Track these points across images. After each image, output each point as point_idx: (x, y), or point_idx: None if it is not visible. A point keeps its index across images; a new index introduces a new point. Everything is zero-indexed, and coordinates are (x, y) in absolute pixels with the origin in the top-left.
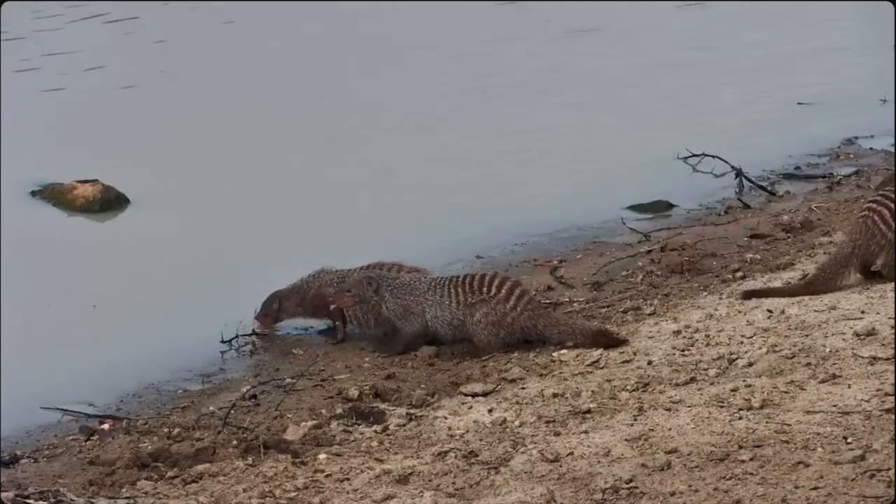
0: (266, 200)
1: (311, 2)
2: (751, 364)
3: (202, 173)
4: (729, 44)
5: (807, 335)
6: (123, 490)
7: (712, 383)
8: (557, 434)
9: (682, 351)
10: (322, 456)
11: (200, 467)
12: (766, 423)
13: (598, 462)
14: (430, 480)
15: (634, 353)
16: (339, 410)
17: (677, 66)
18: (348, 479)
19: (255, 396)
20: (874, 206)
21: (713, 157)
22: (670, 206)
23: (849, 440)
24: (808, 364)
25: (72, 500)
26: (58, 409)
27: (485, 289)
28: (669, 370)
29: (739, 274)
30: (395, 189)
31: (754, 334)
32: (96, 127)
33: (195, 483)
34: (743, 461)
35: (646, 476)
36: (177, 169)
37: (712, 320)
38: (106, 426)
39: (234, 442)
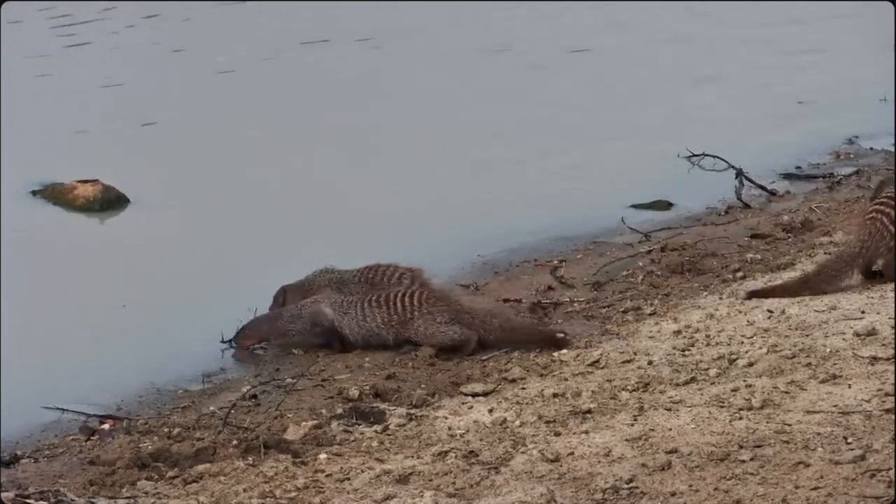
0: (267, 200)
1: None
2: (751, 364)
3: (203, 173)
4: (728, 43)
5: (807, 335)
6: (124, 490)
7: (713, 383)
8: (558, 434)
9: (683, 351)
10: (322, 456)
11: (201, 467)
12: (767, 423)
13: (599, 462)
14: (430, 480)
15: (635, 353)
16: (339, 410)
17: (677, 64)
18: (349, 479)
19: (255, 396)
20: (881, 207)
21: (713, 156)
22: (670, 205)
23: (849, 440)
24: (809, 364)
25: (72, 500)
26: (58, 408)
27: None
28: (670, 370)
29: (740, 274)
30: (397, 190)
31: (755, 334)
32: (97, 127)
33: (195, 483)
34: (743, 461)
35: (646, 476)
36: (177, 169)
37: (713, 320)
38: (106, 426)
39: (235, 442)
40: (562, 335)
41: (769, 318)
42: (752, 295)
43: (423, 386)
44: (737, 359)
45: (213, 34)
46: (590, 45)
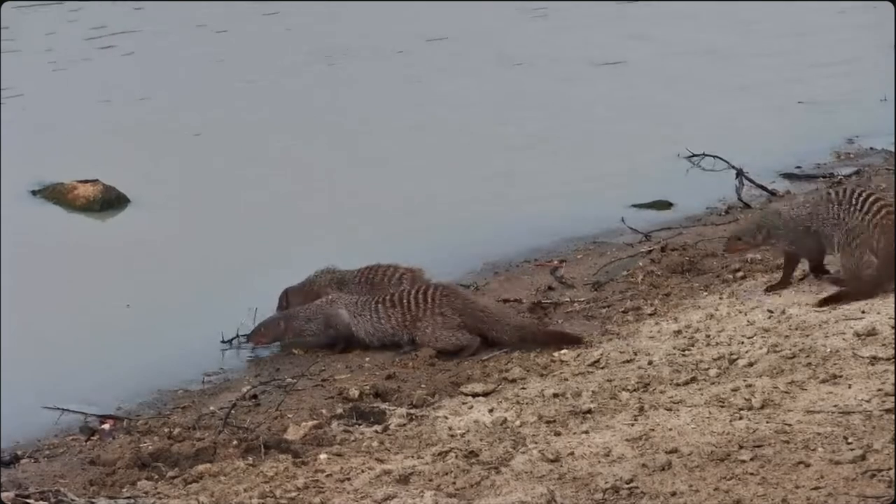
0: (268, 200)
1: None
2: (751, 364)
3: (203, 173)
4: (729, 42)
5: (807, 335)
6: (124, 490)
7: (713, 383)
8: (558, 434)
9: (683, 351)
10: (323, 456)
11: (201, 467)
12: (767, 423)
13: (599, 462)
14: (430, 480)
15: (635, 353)
16: (339, 410)
17: (677, 65)
18: (349, 479)
19: (255, 396)
20: (890, 206)
21: (714, 156)
22: (671, 205)
23: (849, 440)
24: (809, 364)
25: (72, 500)
26: (58, 408)
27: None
28: (670, 370)
29: (740, 274)
30: (399, 191)
31: (755, 334)
32: (97, 125)
33: (196, 483)
34: (743, 461)
35: (646, 476)
36: (178, 169)
37: (713, 320)
38: (106, 426)
39: (235, 442)
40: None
41: (769, 318)
42: (826, 303)
43: (423, 386)
44: (737, 359)
45: (243, 43)
46: (609, 57)
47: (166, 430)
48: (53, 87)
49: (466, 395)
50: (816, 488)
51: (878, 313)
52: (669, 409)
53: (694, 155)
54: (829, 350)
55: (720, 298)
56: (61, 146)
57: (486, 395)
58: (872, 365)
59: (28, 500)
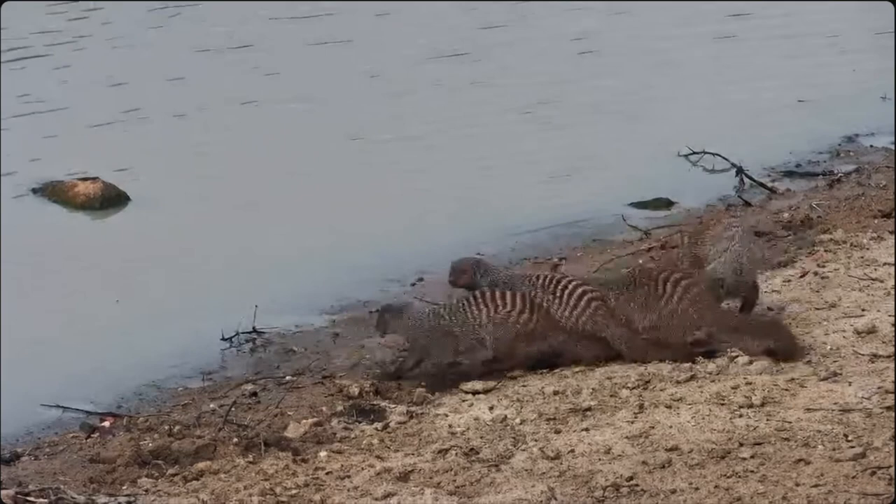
0: (267, 198)
1: None
2: (751, 361)
3: (204, 171)
4: (729, 41)
5: (807, 332)
6: (124, 487)
7: (713, 381)
8: (558, 431)
9: None
10: (323, 453)
11: (201, 465)
12: (767, 420)
13: (599, 460)
14: (430, 478)
15: None
16: (339, 408)
17: (677, 62)
18: (349, 477)
19: (255, 394)
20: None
21: (714, 154)
22: (671, 203)
23: (849, 438)
24: (809, 361)
25: (72, 497)
26: (58, 406)
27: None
28: (670, 368)
29: None
30: (396, 187)
31: None
32: (97, 124)
33: (196, 480)
34: (744, 459)
35: (646, 474)
36: (178, 167)
37: None
38: (107, 424)
39: (235, 439)
40: None
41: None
42: None
43: (423, 383)
44: (737, 356)
45: (249, 37)
46: (596, 47)
47: (166, 427)
48: (53, 84)
49: (467, 392)
50: (816, 486)
51: (879, 311)
52: (669, 407)
53: (694, 153)
54: (829, 347)
55: None
56: (61, 143)
57: (486, 392)
58: (872, 362)
59: (28, 498)
